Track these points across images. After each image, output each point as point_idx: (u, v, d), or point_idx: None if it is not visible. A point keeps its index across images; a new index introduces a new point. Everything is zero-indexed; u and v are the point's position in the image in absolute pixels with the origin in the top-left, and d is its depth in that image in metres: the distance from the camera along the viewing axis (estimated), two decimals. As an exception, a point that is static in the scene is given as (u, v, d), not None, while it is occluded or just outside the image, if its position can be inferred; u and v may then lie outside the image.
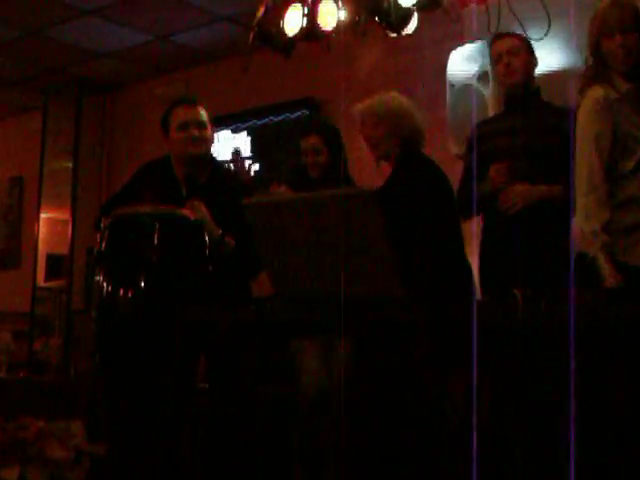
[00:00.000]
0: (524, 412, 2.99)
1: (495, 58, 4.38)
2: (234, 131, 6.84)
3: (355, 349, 3.86)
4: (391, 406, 3.61)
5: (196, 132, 4.33)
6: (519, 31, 4.56)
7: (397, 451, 3.41)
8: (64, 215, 8.07)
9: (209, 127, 4.40)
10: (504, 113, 4.41)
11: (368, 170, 4.63)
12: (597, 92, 3.72)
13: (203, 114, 4.40)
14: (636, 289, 3.44)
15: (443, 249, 4.10)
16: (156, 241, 3.73)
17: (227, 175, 4.93)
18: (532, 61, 4.38)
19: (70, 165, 8.10)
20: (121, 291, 3.70)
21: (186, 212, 3.86)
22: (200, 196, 4.16)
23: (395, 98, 4.45)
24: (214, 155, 4.74)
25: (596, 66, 3.80)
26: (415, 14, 5.26)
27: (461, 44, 5.68)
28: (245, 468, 3.84)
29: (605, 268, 3.47)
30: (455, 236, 4.20)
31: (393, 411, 3.55)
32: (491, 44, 4.44)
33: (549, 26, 4.87)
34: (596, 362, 2.87)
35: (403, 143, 4.33)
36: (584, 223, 3.59)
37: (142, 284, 3.68)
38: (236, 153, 4.67)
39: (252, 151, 6.89)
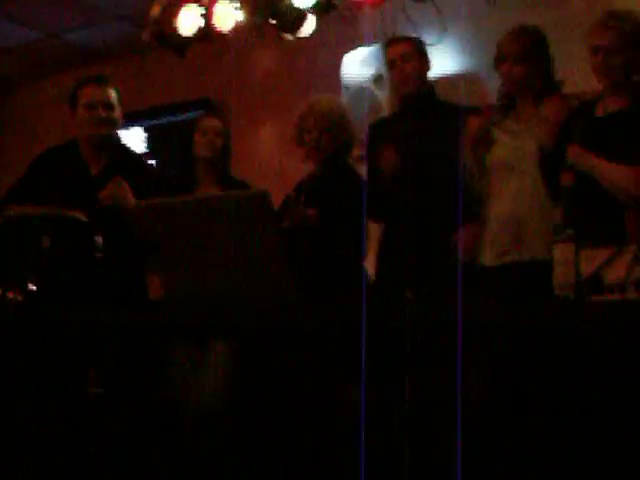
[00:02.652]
0: (412, 412, 3.01)
1: (389, 64, 4.41)
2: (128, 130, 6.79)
3: (243, 354, 3.84)
4: (278, 412, 3.63)
5: (103, 113, 4.27)
6: (414, 35, 4.61)
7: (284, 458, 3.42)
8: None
9: (118, 108, 4.34)
10: (399, 116, 4.44)
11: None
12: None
13: (113, 94, 4.33)
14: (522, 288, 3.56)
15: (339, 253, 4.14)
16: (46, 243, 3.65)
17: (136, 157, 4.85)
18: (425, 65, 4.41)
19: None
20: (9, 295, 3.61)
21: (78, 214, 3.78)
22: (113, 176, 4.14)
23: (340, 102, 4.49)
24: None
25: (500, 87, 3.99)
26: (310, 17, 5.29)
27: (356, 47, 5.72)
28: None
29: None
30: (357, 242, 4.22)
31: (280, 418, 3.56)
32: (384, 49, 4.46)
33: (443, 31, 4.95)
34: (484, 361, 2.91)
35: (341, 147, 4.37)
36: None
37: (31, 288, 3.60)
38: (128, 152, 4.66)
39: (147, 149, 6.84)
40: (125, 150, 4.66)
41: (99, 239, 3.73)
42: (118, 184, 4.02)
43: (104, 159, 4.33)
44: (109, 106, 4.30)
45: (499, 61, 3.89)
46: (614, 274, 2.66)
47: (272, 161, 4.84)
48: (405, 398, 2.88)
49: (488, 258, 3.85)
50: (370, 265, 4.35)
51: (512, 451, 2.79)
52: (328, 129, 4.29)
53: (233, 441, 3.41)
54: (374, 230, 4.37)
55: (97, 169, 4.30)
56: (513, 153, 3.81)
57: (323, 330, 2.79)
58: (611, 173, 3.33)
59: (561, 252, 2.83)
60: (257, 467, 3.38)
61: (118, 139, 4.54)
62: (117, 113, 4.34)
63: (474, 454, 2.69)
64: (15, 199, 4.16)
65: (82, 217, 3.76)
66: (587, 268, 2.70)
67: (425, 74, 4.42)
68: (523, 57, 3.82)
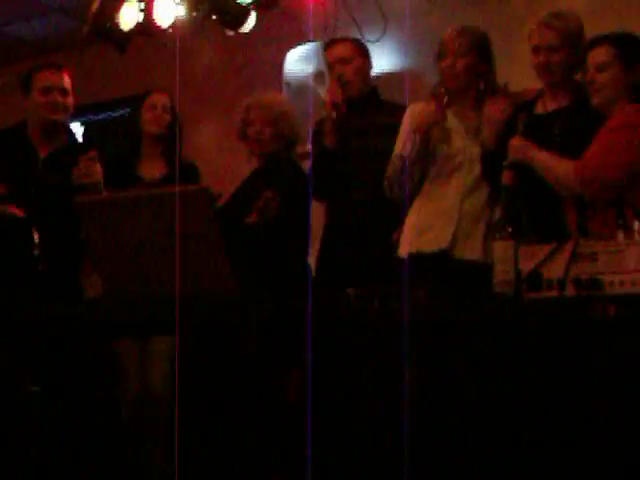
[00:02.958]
0: (357, 401, 3.03)
1: (328, 66, 4.38)
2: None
3: (186, 348, 3.83)
4: (223, 402, 3.64)
5: (59, 98, 4.27)
6: (356, 33, 4.62)
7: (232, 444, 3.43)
8: None
9: (71, 95, 4.34)
10: (343, 119, 4.28)
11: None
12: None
13: (67, 80, 4.34)
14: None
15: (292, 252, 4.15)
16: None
17: (81, 143, 4.82)
18: (366, 65, 4.39)
19: None
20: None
21: (14, 210, 3.72)
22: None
23: (284, 98, 4.46)
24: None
25: (438, 85, 3.95)
26: (253, 12, 5.28)
27: (298, 44, 5.71)
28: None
29: None
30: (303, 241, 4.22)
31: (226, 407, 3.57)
32: (324, 50, 4.44)
33: (385, 28, 4.97)
34: (430, 355, 2.94)
35: (287, 143, 4.34)
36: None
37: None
38: (75, 141, 4.65)
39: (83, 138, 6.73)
40: (72, 135, 4.66)
41: (35, 236, 3.69)
42: (92, 159, 3.99)
43: (54, 143, 4.32)
44: (64, 92, 4.30)
45: (441, 57, 3.88)
46: (553, 271, 2.68)
47: (215, 157, 4.81)
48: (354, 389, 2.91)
49: (427, 248, 3.83)
50: (312, 261, 4.34)
51: (444, 439, 2.84)
52: (272, 122, 4.27)
53: (174, 428, 3.41)
54: (317, 227, 4.36)
55: (46, 153, 4.29)
56: (460, 150, 3.82)
57: (267, 322, 2.79)
58: (551, 164, 3.36)
59: (500, 249, 2.85)
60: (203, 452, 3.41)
61: (68, 125, 4.54)
62: (70, 99, 4.34)
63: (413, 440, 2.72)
64: None
65: (18, 213, 3.71)
66: (526, 265, 2.72)
67: (367, 74, 4.40)
68: (465, 53, 3.83)
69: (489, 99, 3.82)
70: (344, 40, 4.42)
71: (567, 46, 3.54)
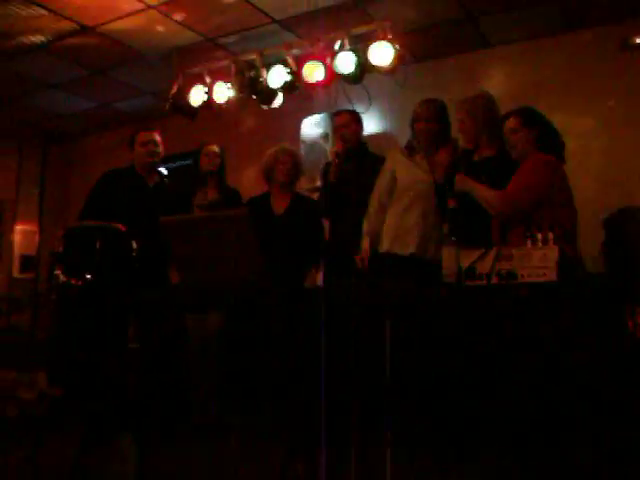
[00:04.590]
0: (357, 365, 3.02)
1: (334, 128, 4.44)
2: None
3: (233, 319, 3.83)
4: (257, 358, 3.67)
5: (153, 148, 4.48)
6: (350, 106, 4.64)
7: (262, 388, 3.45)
8: (33, 227, 7.87)
9: (160, 146, 4.53)
10: (342, 163, 4.19)
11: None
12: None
13: (158, 137, 4.55)
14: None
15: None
16: (98, 246, 3.61)
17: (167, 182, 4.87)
18: (359, 128, 4.43)
19: (38, 192, 7.90)
20: (73, 281, 3.56)
21: (119, 226, 3.72)
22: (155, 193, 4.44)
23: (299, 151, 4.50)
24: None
25: (412, 139, 3.95)
26: (280, 93, 5.30)
27: (311, 114, 5.73)
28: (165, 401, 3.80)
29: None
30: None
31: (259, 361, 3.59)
32: (332, 118, 4.48)
33: (369, 103, 4.98)
34: (401, 323, 2.94)
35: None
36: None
37: (87, 276, 3.56)
38: (164, 176, 4.73)
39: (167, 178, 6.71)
40: (161, 174, 4.75)
41: (134, 243, 3.70)
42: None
43: (153, 178, 4.53)
44: (156, 144, 4.51)
45: (415, 121, 3.89)
46: (483, 267, 2.69)
47: (252, 191, 4.80)
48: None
49: (398, 250, 3.83)
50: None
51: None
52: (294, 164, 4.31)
53: (225, 371, 3.40)
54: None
55: (152, 182, 4.52)
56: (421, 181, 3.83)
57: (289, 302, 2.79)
58: (483, 193, 3.34)
59: (447, 253, 2.86)
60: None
61: (159, 166, 4.69)
62: (161, 149, 4.54)
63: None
64: (88, 215, 4.20)
65: (121, 228, 3.72)
66: (465, 263, 2.73)
67: (360, 134, 4.43)
68: (434, 118, 3.86)
69: (441, 149, 3.83)
70: (346, 111, 4.47)
71: (478, 119, 3.61)
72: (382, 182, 3.98)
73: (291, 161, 4.30)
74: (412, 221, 3.82)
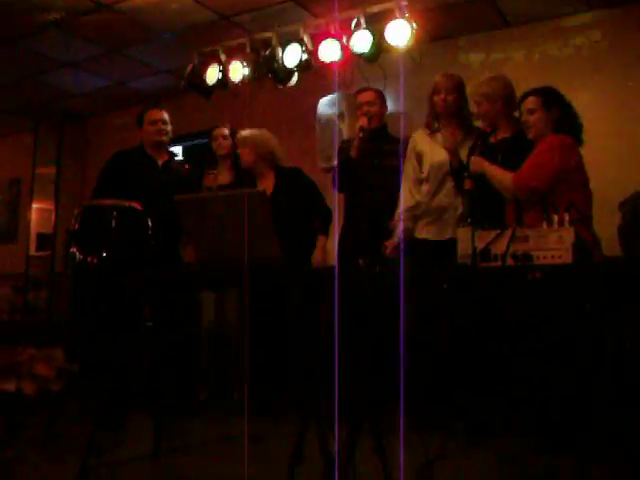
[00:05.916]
0: (367, 341, 3.03)
1: (359, 105, 4.26)
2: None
3: (248, 296, 3.84)
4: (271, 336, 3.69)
5: (162, 126, 4.48)
6: (366, 85, 4.57)
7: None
8: (49, 205, 7.90)
9: (169, 124, 4.53)
10: (366, 140, 4.06)
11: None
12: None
13: (166, 115, 4.54)
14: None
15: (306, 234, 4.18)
16: (113, 224, 3.62)
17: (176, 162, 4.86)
18: (385, 109, 4.33)
19: (54, 170, 7.90)
20: (88, 259, 3.58)
21: (135, 204, 3.73)
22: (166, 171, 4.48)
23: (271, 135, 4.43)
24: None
25: (429, 113, 3.92)
26: (296, 73, 5.27)
27: (327, 93, 5.69)
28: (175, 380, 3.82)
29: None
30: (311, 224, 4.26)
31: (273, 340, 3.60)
32: (356, 94, 4.38)
33: (385, 82, 4.94)
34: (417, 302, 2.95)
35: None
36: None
37: (103, 254, 3.57)
38: (174, 155, 4.72)
39: (183, 156, 6.76)
40: (172, 153, 4.74)
41: (149, 221, 3.71)
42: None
43: (162, 157, 4.52)
44: (165, 122, 4.51)
45: (435, 93, 3.85)
46: (498, 248, 2.68)
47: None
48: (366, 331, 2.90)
49: (424, 234, 3.85)
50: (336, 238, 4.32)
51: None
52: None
53: (243, 347, 3.41)
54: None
55: (162, 161, 4.51)
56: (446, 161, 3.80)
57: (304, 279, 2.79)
58: (497, 175, 3.33)
59: (463, 234, 2.85)
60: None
61: (172, 145, 4.75)
62: (170, 127, 4.54)
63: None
64: (99, 196, 4.18)
65: (137, 206, 3.73)
66: (480, 244, 2.72)
67: (383, 114, 4.31)
68: (454, 90, 3.83)
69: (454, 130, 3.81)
70: (371, 89, 4.32)
71: (489, 100, 3.58)
72: (409, 166, 3.95)
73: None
74: (445, 202, 3.81)
